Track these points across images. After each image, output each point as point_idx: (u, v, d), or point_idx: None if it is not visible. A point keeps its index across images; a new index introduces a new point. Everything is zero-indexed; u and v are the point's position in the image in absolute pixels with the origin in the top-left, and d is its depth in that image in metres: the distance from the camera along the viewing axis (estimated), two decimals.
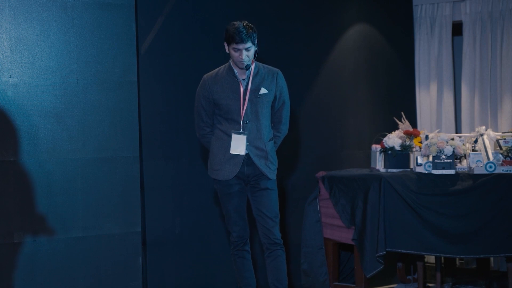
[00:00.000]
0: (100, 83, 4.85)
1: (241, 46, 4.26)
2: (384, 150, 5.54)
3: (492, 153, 5.37)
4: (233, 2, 5.69)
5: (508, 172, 5.24)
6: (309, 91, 6.18)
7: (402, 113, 5.83)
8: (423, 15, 7.01)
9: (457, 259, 6.24)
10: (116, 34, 4.90)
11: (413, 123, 6.57)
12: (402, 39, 6.94)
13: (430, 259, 6.22)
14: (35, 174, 4.61)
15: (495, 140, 5.47)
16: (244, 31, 4.24)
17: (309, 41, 6.21)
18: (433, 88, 6.99)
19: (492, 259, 6.20)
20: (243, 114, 4.35)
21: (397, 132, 5.63)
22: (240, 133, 4.34)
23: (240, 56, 4.27)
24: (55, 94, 4.69)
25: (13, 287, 4.54)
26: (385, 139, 5.56)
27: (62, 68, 4.72)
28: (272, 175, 4.41)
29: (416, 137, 5.57)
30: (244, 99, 4.36)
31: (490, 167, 5.25)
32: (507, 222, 5.18)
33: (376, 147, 5.71)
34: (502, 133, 5.60)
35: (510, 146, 5.36)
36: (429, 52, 7.01)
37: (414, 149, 5.54)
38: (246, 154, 4.35)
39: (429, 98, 7.02)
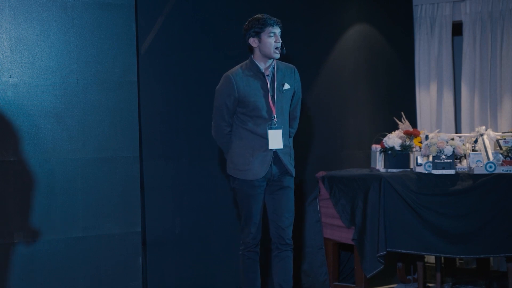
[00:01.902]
0: (100, 83, 4.85)
1: (277, 29, 4.26)
2: (384, 150, 5.54)
3: (492, 153, 5.37)
4: (233, 2, 5.69)
5: (508, 172, 5.24)
6: (309, 91, 6.17)
7: (402, 113, 5.83)
8: (423, 15, 7.01)
9: (457, 259, 6.24)
10: (116, 34, 4.90)
11: (413, 123, 6.57)
12: (402, 39, 6.94)
13: (430, 259, 6.22)
14: (35, 174, 4.61)
15: (495, 140, 5.47)
16: (273, 17, 4.28)
17: (309, 41, 6.21)
18: (433, 88, 6.99)
19: (492, 259, 6.20)
20: (274, 110, 4.31)
21: (397, 132, 5.63)
22: (274, 128, 4.30)
23: (277, 40, 4.25)
24: (55, 94, 4.69)
25: (13, 287, 4.54)
26: (385, 139, 5.56)
27: (62, 68, 4.72)
28: (293, 172, 4.43)
29: (416, 137, 5.57)
30: (272, 95, 4.33)
31: (490, 167, 5.25)
32: (507, 222, 5.18)
33: (376, 147, 5.71)
34: (502, 133, 5.60)
35: (510, 146, 5.36)
36: (429, 52, 7.01)
37: (414, 149, 5.54)
38: (274, 152, 4.33)
39: (429, 98, 7.02)
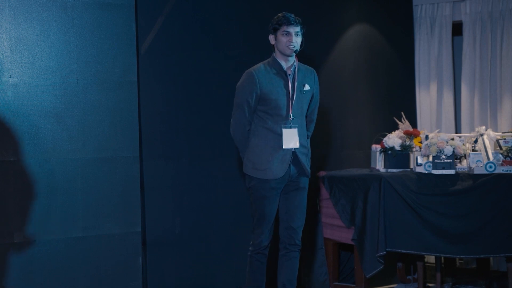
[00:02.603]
0: (100, 83, 4.85)
1: (291, 29, 4.27)
2: (384, 150, 5.54)
3: (492, 153, 5.37)
4: (233, 2, 5.69)
5: (508, 172, 5.24)
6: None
7: (402, 113, 5.83)
8: (423, 15, 7.01)
9: (457, 259, 6.24)
10: (116, 34, 4.90)
11: (413, 123, 6.57)
12: (402, 39, 6.94)
13: (430, 259, 6.22)
14: (35, 174, 4.61)
15: (495, 140, 5.47)
16: (293, 16, 4.31)
17: (309, 41, 6.20)
18: (433, 88, 6.98)
19: (492, 259, 6.20)
20: (291, 109, 4.31)
21: (397, 132, 5.63)
22: (290, 127, 4.30)
23: (289, 40, 4.26)
24: (55, 94, 4.69)
25: (13, 287, 4.54)
26: (385, 139, 5.57)
27: (62, 68, 4.72)
28: (309, 173, 4.42)
29: (416, 137, 5.57)
30: (292, 94, 4.33)
31: (490, 167, 5.25)
32: (507, 222, 5.18)
33: (376, 147, 5.72)
34: (502, 133, 5.60)
35: (510, 146, 5.36)
36: (429, 52, 7.01)
37: (414, 149, 5.54)
38: (293, 152, 4.31)
39: (429, 98, 7.02)
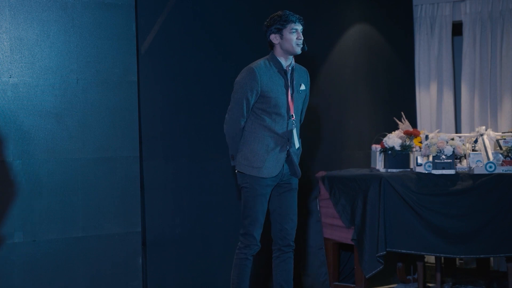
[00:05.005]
0: (100, 83, 4.85)
1: (298, 26, 4.24)
2: (384, 150, 5.54)
3: (492, 153, 5.37)
4: (233, 2, 5.69)
5: (508, 172, 5.24)
6: (309, 91, 6.17)
7: (402, 113, 5.83)
8: (423, 15, 7.01)
9: (457, 259, 6.24)
10: (116, 34, 4.90)
11: (413, 123, 6.57)
12: (402, 39, 6.94)
13: (430, 259, 6.22)
14: (35, 174, 4.61)
15: (495, 140, 5.47)
16: (296, 14, 4.28)
17: (309, 41, 6.19)
18: (433, 88, 6.98)
19: (492, 259, 6.20)
20: (292, 108, 4.28)
21: (397, 132, 5.63)
22: (293, 127, 4.28)
23: (299, 37, 4.23)
24: (55, 94, 4.69)
25: (13, 287, 4.54)
26: (385, 139, 5.57)
27: (62, 68, 4.72)
28: (300, 174, 4.38)
29: (416, 137, 5.57)
30: (292, 93, 4.29)
31: (490, 167, 5.26)
32: (507, 222, 5.18)
33: (376, 147, 5.72)
34: (502, 133, 5.60)
35: (510, 146, 5.36)
36: (429, 52, 7.00)
37: (414, 149, 5.54)
38: (287, 151, 4.28)
39: (429, 98, 7.02)
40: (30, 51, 4.62)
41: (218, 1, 5.62)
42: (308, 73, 4.46)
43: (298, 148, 4.37)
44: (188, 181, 5.40)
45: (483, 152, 5.40)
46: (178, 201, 5.37)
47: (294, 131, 4.31)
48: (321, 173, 5.72)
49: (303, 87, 4.36)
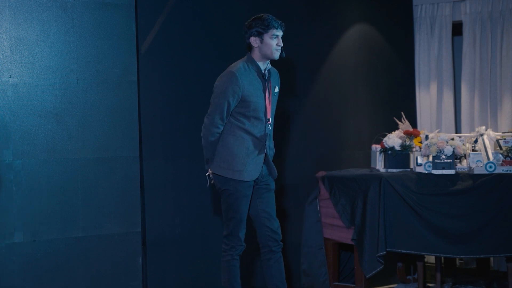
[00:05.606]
0: (100, 83, 4.85)
1: (279, 32, 4.22)
2: (384, 150, 5.54)
3: (492, 153, 5.37)
4: (233, 2, 5.69)
5: (508, 172, 5.24)
6: (309, 91, 6.17)
7: (402, 113, 5.83)
8: (423, 15, 7.01)
9: (457, 259, 6.24)
10: (116, 34, 4.90)
11: (413, 123, 6.57)
12: (402, 39, 6.94)
13: (430, 259, 6.22)
14: (35, 174, 4.61)
15: (495, 140, 5.47)
16: (278, 20, 4.25)
17: (309, 41, 6.21)
18: (433, 88, 6.99)
19: (492, 259, 6.20)
20: (269, 111, 4.28)
21: (397, 132, 5.63)
22: (270, 130, 4.29)
23: (279, 43, 4.21)
24: (55, 94, 4.69)
25: (13, 287, 4.54)
26: (385, 139, 5.57)
27: (62, 68, 4.72)
28: (276, 174, 4.41)
29: (416, 137, 5.57)
30: (269, 97, 4.29)
31: (490, 167, 5.26)
32: (507, 222, 5.18)
33: (376, 147, 5.72)
34: (502, 133, 5.60)
35: (510, 146, 5.36)
36: (429, 52, 7.00)
37: (414, 149, 5.54)
38: (265, 153, 4.29)
39: (429, 98, 7.02)
40: (30, 51, 4.61)
41: (218, 1, 5.62)
42: (278, 74, 4.43)
43: (272, 149, 4.39)
44: (188, 181, 5.41)
45: (483, 152, 5.40)
46: (178, 201, 5.37)
47: (270, 134, 4.33)
48: (321, 173, 5.72)
49: (277, 89, 4.37)
